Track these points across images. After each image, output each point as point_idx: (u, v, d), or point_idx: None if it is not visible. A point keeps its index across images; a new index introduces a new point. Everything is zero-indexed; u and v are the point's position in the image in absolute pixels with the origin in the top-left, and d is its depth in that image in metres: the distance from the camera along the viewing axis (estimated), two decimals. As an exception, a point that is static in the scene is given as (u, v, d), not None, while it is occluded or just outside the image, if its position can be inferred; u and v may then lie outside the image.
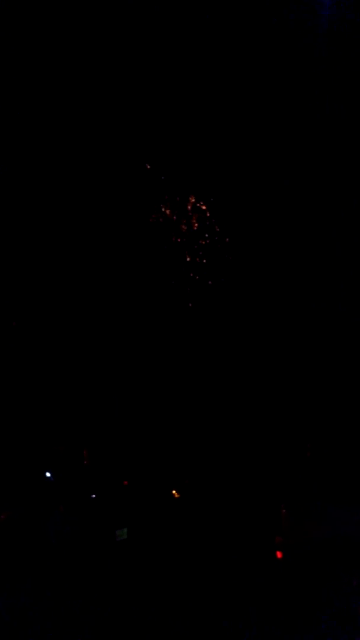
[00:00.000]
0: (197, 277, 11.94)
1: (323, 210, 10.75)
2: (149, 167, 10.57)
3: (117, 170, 10.91)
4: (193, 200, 11.23)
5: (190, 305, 11.83)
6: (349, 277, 10.79)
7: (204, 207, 11.31)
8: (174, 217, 11.37)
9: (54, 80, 10.26)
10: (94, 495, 8.28)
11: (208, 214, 11.46)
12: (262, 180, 10.98)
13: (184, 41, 10.14)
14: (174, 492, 9.25)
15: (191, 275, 11.70)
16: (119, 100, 10.60)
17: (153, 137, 10.94)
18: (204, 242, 11.60)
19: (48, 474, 8.60)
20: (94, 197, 10.93)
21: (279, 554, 6.84)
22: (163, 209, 11.21)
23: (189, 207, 11.29)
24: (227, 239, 11.50)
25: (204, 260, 11.87)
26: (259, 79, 10.29)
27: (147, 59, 10.39)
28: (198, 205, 11.27)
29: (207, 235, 11.66)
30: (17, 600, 6.81)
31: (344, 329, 10.70)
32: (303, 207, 10.89)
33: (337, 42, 9.60)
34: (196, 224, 11.52)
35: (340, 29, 9.41)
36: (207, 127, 10.84)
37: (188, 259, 11.54)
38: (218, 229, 11.55)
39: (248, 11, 9.82)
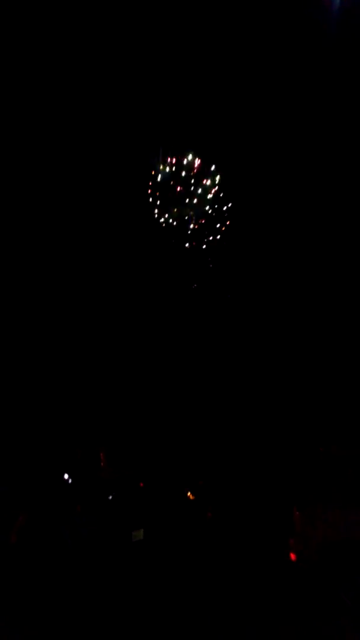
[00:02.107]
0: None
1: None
2: None
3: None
4: None
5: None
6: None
7: None
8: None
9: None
10: (110, 497, 8.40)
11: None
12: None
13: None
14: (189, 494, 9.34)
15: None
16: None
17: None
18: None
19: (66, 476, 8.75)
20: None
21: (292, 556, 6.87)
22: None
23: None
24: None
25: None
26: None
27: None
28: None
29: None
30: (35, 599, 6.99)
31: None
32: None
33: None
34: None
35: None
36: None
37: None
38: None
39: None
